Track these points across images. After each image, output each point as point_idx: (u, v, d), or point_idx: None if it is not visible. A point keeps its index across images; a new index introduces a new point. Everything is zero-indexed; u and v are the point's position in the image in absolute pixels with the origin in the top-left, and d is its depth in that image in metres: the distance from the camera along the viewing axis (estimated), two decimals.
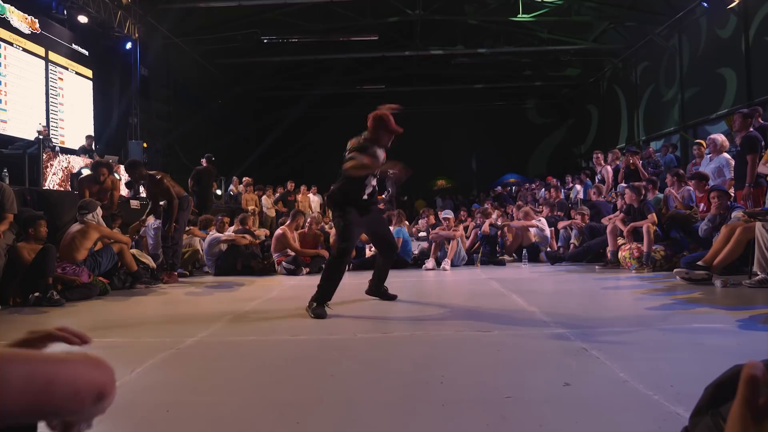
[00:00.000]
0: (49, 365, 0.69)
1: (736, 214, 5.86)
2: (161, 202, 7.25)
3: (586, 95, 24.10)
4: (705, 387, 1.02)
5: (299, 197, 15.32)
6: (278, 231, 8.27)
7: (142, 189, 8.86)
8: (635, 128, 19.07)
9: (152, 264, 7.13)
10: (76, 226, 6.19)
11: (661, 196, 8.22)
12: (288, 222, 8.43)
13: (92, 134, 12.26)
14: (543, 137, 25.99)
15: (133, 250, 6.94)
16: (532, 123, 26.00)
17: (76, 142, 11.94)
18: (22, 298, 5.16)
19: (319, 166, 23.14)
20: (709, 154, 7.98)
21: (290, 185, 15.99)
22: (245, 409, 2.14)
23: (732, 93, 13.54)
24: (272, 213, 14.37)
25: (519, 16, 16.46)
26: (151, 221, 8.53)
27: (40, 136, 9.88)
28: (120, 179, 10.27)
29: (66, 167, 9.86)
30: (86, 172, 9.14)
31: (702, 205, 7.19)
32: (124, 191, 10.65)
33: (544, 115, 26.60)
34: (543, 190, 16.22)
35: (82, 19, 12.48)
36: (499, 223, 9.67)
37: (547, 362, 2.68)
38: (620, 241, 7.42)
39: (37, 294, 5.05)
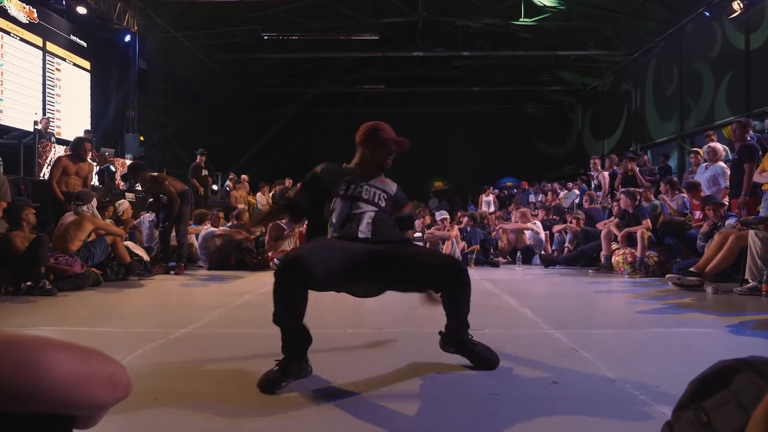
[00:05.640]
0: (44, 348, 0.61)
1: (730, 222, 5.89)
2: (162, 196, 7.27)
3: (586, 101, 24.15)
4: (689, 382, 1.03)
5: None
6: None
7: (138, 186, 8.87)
8: (633, 134, 19.11)
9: (146, 257, 7.13)
10: (70, 217, 6.16)
11: (657, 202, 8.23)
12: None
13: (90, 129, 12.21)
14: (542, 141, 26.01)
15: (127, 243, 6.93)
16: (530, 127, 25.98)
17: (73, 133, 11.85)
18: (13, 287, 5.14)
19: (316, 163, 23.11)
20: (706, 162, 7.99)
21: (288, 182, 15.90)
22: (233, 399, 2.15)
23: (732, 103, 13.56)
24: (267, 209, 14.33)
25: (521, 20, 16.46)
26: (146, 215, 8.52)
27: (39, 128, 9.83)
28: (116, 171, 10.27)
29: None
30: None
31: (698, 212, 7.21)
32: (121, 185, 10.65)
33: (544, 120, 26.60)
34: (532, 194, 16.24)
35: (81, 10, 12.40)
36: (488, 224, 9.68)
37: (536, 361, 2.69)
38: (614, 245, 7.44)
39: (29, 283, 5.03)
